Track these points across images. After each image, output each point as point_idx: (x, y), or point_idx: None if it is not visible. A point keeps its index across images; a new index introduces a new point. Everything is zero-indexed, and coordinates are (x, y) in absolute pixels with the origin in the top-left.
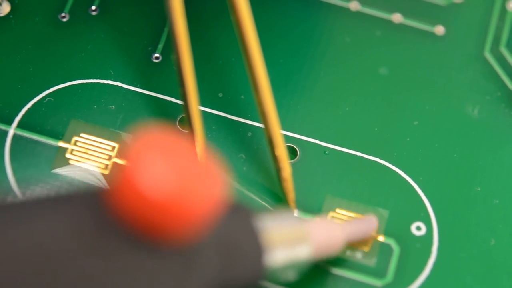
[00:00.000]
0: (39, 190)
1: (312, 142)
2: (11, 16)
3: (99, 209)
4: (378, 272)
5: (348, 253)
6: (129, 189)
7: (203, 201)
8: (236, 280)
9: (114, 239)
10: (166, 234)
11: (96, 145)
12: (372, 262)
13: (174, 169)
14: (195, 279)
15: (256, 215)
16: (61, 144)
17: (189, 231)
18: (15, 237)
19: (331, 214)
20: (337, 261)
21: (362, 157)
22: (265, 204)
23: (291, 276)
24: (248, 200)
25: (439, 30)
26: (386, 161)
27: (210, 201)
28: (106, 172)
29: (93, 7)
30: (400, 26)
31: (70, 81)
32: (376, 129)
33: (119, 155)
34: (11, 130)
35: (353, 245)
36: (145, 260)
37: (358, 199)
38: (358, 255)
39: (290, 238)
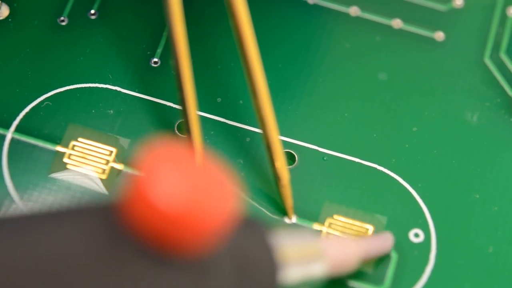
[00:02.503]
0: (37, 195)
1: (311, 148)
2: (9, 19)
3: (112, 222)
4: (376, 279)
5: None
6: (142, 202)
7: (217, 214)
8: None
9: (127, 252)
10: (180, 247)
11: (94, 149)
12: (370, 269)
13: (187, 182)
14: None
15: (271, 230)
16: (59, 148)
17: (202, 244)
18: (27, 250)
19: (328, 220)
20: None
21: (361, 163)
22: (263, 210)
23: None
24: (247, 207)
25: (439, 36)
26: (384, 167)
27: (223, 214)
28: (104, 176)
29: (92, 11)
30: (400, 31)
31: (69, 85)
32: (374, 135)
33: (117, 160)
34: (9, 134)
35: (368, 262)
36: (158, 273)
37: (356, 206)
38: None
39: (305, 255)
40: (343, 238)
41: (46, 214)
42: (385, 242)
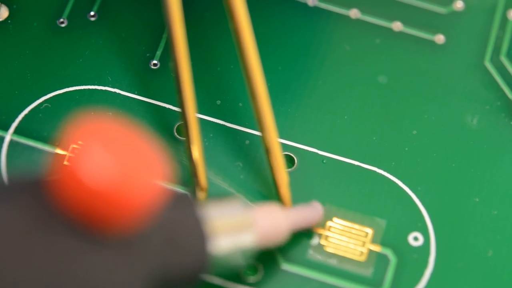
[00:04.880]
0: None
1: (310, 151)
2: (9, 21)
3: (42, 199)
4: (375, 282)
5: (344, 264)
6: (71, 178)
7: (145, 190)
8: (180, 268)
9: (57, 230)
10: (109, 224)
11: None
12: (368, 272)
13: (116, 158)
14: (138, 269)
15: (199, 203)
16: (58, 150)
17: (131, 220)
18: None
19: (328, 223)
20: (334, 271)
21: (360, 166)
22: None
23: (239, 263)
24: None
25: (439, 38)
26: (384, 170)
27: (152, 189)
28: None
29: (92, 13)
30: (400, 34)
31: (68, 87)
32: (374, 138)
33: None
34: (8, 136)
35: (299, 232)
36: (88, 250)
37: (356, 209)
38: (355, 266)
39: (234, 225)
40: (272, 209)
41: None
42: (314, 212)
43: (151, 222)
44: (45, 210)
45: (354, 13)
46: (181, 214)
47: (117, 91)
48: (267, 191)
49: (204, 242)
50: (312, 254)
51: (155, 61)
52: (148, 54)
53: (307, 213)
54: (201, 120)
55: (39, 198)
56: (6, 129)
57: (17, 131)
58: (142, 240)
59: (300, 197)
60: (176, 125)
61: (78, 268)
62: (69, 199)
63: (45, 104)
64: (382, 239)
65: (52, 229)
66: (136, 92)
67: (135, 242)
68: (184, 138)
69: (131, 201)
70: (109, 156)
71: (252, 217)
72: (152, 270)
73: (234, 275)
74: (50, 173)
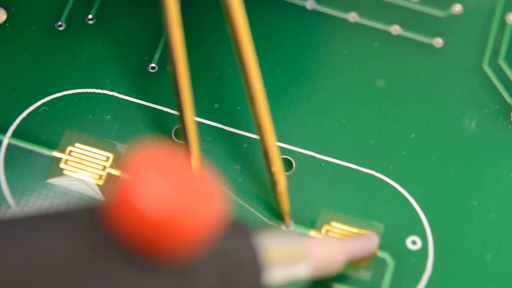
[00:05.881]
0: (33, 200)
1: (308, 154)
2: (7, 24)
3: (97, 226)
4: (373, 286)
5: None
6: (127, 206)
7: (202, 218)
8: None
9: (112, 257)
10: (165, 252)
11: (91, 155)
12: (366, 276)
13: (172, 186)
14: None
15: (255, 232)
16: (56, 154)
17: (188, 248)
18: (12, 254)
19: (326, 227)
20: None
21: (358, 170)
22: (260, 216)
23: None
24: (244, 213)
25: (438, 42)
26: (382, 174)
27: (208, 218)
28: (101, 182)
29: (90, 16)
30: (399, 37)
31: (66, 90)
32: (372, 141)
33: (114, 166)
34: (6, 140)
35: (353, 263)
36: (143, 279)
37: (354, 212)
38: (353, 269)
39: (290, 256)
40: (328, 239)
41: (30, 218)
42: (370, 242)
43: (206, 251)
44: (99, 237)
45: (352, 16)
46: (237, 243)
47: (115, 94)
48: (265, 195)
49: (260, 273)
50: None
51: (153, 65)
52: (146, 58)
53: (362, 243)
54: (199, 123)
55: (94, 225)
56: (4, 132)
57: (15, 135)
58: (198, 268)
59: (298, 200)
60: (174, 129)
61: None
62: (124, 226)
63: (43, 107)
64: (380, 242)
65: (106, 256)
66: (134, 96)
67: (191, 270)
68: (182, 142)
69: (187, 230)
70: (166, 183)
71: (308, 247)
72: None
73: None
74: (105, 200)
